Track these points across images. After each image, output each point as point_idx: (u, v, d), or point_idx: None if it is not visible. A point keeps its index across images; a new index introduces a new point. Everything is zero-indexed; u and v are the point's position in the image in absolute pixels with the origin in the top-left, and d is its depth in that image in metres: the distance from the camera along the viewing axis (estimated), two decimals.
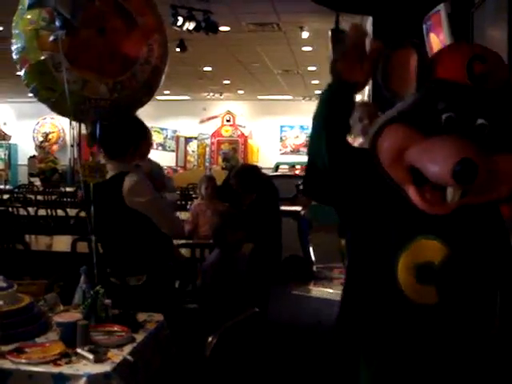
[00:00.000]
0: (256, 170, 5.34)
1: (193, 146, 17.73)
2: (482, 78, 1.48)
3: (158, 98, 14.93)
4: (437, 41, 4.61)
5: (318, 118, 1.66)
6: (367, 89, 8.17)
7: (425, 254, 1.53)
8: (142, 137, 3.21)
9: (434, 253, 1.52)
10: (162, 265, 3.12)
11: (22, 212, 6.96)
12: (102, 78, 2.83)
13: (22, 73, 2.91)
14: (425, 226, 1.52)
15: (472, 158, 1.34)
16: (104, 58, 2.80)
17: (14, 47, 2.91)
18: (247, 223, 3.89)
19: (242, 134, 17.01)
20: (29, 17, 2.82)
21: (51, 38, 2.72)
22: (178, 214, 4.89)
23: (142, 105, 3.11)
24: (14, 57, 2.92)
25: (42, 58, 2.80)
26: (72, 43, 2.74)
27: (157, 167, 4.28)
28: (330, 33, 6.87)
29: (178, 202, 7.62)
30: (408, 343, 1.56)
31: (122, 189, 2.92)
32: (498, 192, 1.45)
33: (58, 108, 2.98)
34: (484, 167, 1.35)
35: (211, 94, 16.17)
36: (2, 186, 14.00)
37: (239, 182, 5.00)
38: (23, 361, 2.10)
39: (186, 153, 17.75)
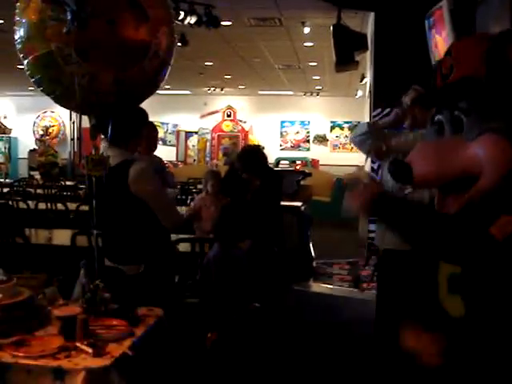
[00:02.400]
0: (259, 150, 5.37)
1: (193, 141, 17.70)
2: (448, 74, 1.52)
3: (159, 92, 14.73)
4: (441, 40, 4.60)
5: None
6: (368, 84, 8.16)
7: None
8: (143, 123, 3.20)
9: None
10: (160, 256, 3.12)
11: (22, 205, 6.95)
12: (112, 71, 2.80)
13: (25, 63, 2.85)
14: None
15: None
16: (114, 51, 2.75)
17: (16, 35, 2.83)
18: (250, 214, 3.88)
19: (243, 129, 16.98)
20: (34, 5, 2.77)
21: (64, 30, 2.67)
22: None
23: (146, 97, 3.10)
24: (17, 46, 2.85)
25: (50, 49, 2.72)
26: (81, 36, 2.68)
27: (159, 162, 4.31)
28: (332, 28, 6.85)
29: (179, 197, 7.61)
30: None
31: (127, 176, 2.91)
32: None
33: (63, 101, 2.96)
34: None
35: (212, 88, 16.13)
36: (1, 180, 13.97)
37: (242, 162, 5.04)
38: (22, 354, 2.10)
39: (186, 147, 17.72)
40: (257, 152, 5.23)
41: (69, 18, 2.62)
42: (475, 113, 1.45)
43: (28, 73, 2.88)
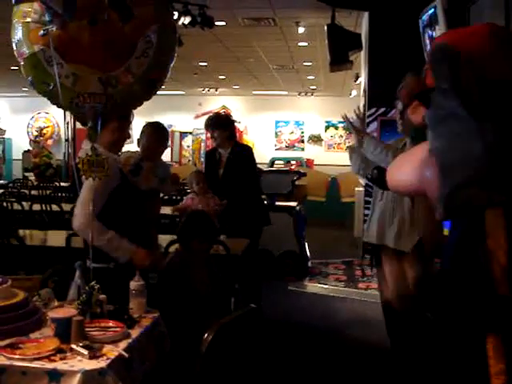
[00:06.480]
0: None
1: (188, 141, 17.66)
2: None
3: None
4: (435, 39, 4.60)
5: None
6: (363, 83, 8.17)
7: None
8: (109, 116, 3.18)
9: None
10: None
11: (17, 207, 6.92)
12: (94, 71, 2.78)
13: (21, 64, 2.89)
14: None
15: None
16: (96, 51, 2.73)
17: (13, 39, 2.88)
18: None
19: (237, 129, 16.93)
20: (23, 9, 2.79)
21: (40, 33, 2.69)
22: None
23: (144, 99, 3.07)
24: (14, 48, 2.89)
25: (34, 51, 2.76)
26: (62, 36, 2.68)
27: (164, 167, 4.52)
28: (326, 28, 6.85)
29: (174, 198, 7.60)
30: None
31: None
32: None
33: (55, 101, 2.96)
34: None
35: (206, 89, 16.12)
36: None
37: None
38: (17, 356, 2.09)
39: (181, 148, 17.69)
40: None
41: (48, 19, 2.63)
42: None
43: (23, 75, 2.91)
